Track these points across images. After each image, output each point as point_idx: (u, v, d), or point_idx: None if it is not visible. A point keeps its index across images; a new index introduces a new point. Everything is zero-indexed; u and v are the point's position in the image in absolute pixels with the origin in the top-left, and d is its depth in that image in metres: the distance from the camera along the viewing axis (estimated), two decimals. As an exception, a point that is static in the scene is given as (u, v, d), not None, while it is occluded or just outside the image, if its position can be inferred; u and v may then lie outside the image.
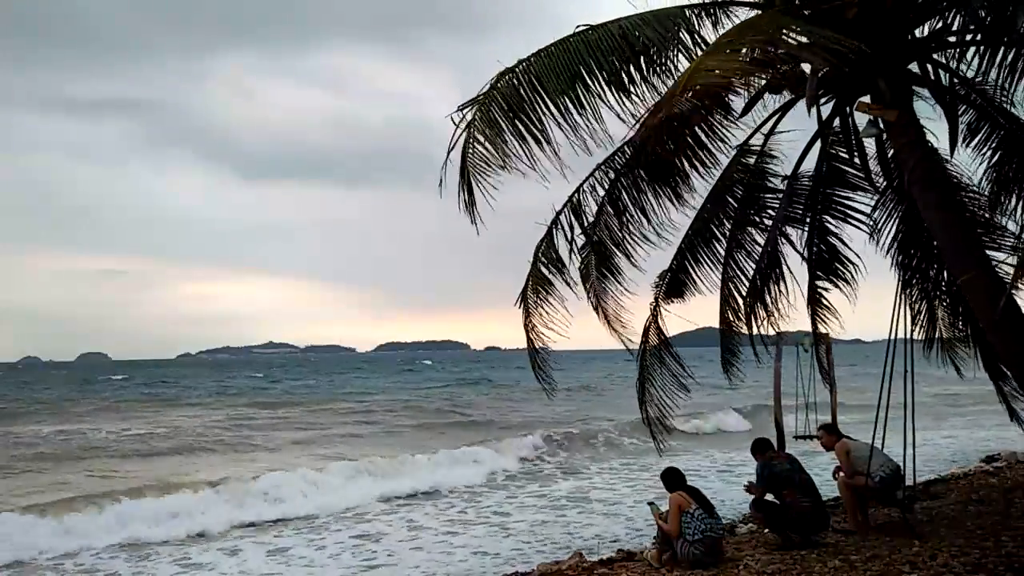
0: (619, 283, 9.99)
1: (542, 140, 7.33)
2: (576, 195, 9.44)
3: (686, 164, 9.05)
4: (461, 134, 7.36)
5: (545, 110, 7.26)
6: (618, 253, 9.76)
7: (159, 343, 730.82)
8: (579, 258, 9.70)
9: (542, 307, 9.67)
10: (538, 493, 15.92)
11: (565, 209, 9.44)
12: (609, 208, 9.48)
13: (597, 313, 10.11)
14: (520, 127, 7.29)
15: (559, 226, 9.47)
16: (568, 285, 9.61)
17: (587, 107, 7.26)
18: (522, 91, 7.26)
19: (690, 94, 6.14)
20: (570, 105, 7.24)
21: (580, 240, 9.58)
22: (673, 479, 8.48)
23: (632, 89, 7.31)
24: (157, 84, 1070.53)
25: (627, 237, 9.65)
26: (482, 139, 7.32)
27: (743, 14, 7.68)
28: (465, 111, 7.35)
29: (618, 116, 7.35)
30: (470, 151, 7.37)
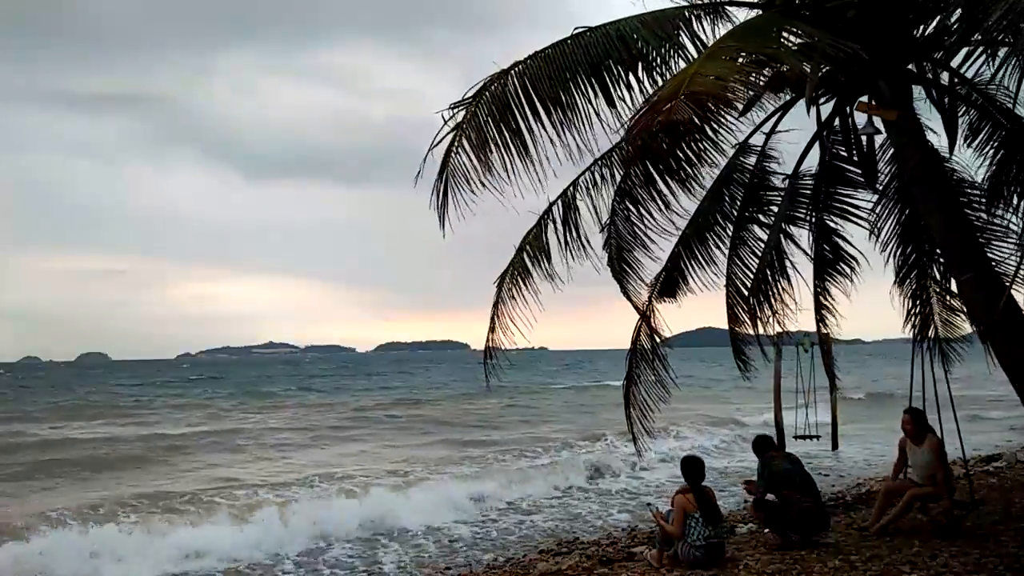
0: (638, 274, 9.89)
1: (528, 153, 7.34)
2: (571, 188, 9.41)
3: (684, 165, 9.02)
4: (448, 133, 7.33)
5: (535, 118, 7.25)
6: (638, 243, 9.66)
7: (159, 343, 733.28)
8: (570, 254, 9.55)
9: (514, 298, 9.44)
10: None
11: (558, 203, 9.41)
12: (619, 203, 9.44)
13: (629, 299, 10.01)
14: (507, 139, 7.29)
15: (551, 218, 9.42)
16: (550, 281, 9.39)
17: (580, 112, 7.25)
18: (513, 97, 7.24)
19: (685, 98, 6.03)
20: (563, 112, 7.22)
21: (574, 235, 9.49)
22: (691, 469, 8.26)
23: (627, 94, 7.28)
24: (159, 81, 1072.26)
25: (638, 232, 9.59)
26: (467, 146, 7.32)
27: (742, 14, 7.68)
28: (456, 111, 7.32)
29: (615, 121, 7.34)
30: (453, 155, 7.37)
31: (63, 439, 26.35)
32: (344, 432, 28.17)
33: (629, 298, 9.96)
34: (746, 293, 10.11)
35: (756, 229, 10.07)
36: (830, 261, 10.04)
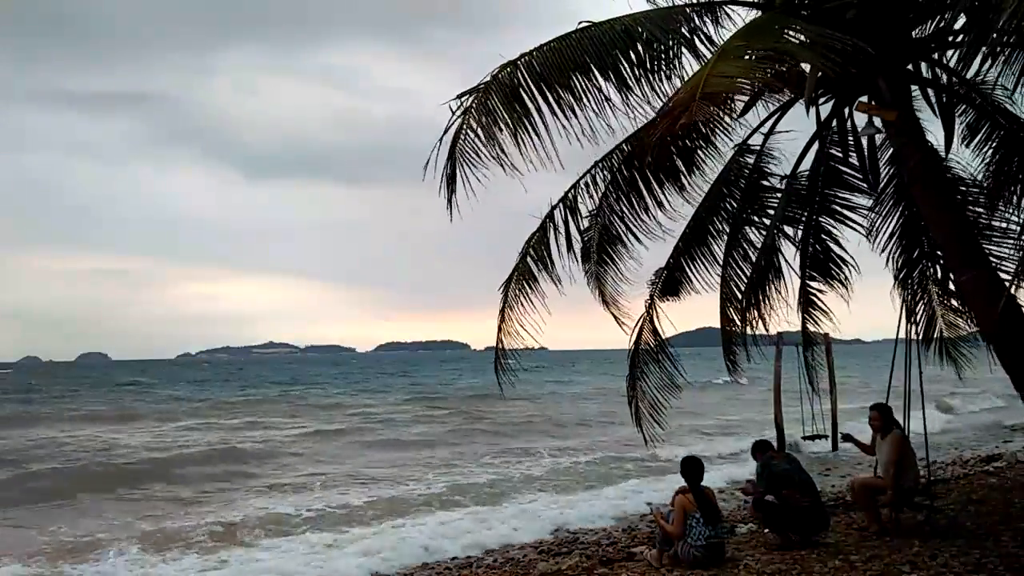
0: (617, 270, 9.91)
1: (537, 133, 7.38)
2: (572, 191, 9.40)
3: (683, 166, 9.04)
4: (456, 119, 7.38)
5: (543, 103, 7.31)
6: (620, 240, 9.68)
7: (159, 343, 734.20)
8: (573, 255, 9.55)
9: (521, 303, 9.51)
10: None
11: (560, 205, 9.40)
12: (612, 198, 9.44)
13: (601, 296, 10.04)
14: (516, 118, 7.32)
15: (553, 221, 9.42)
16: (555, 283, 9.47)
17: (587, 101, 7.31)
18: (521, 83, 7.30)
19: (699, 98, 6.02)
20: (570, 98, 7.28)
21: (576, 236, 9.50)
22: (690, 470, 8.23)
23: (633, 85, 7.31)
24: (159, 81, 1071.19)
25: (627, 229, 9.60)
26: (476, 127, 7.37)
27: (743, 13, 7.69)
28: (464, 99, 7.37)
29: (618, 110, 7.39)
30: (462, 138, 7.43)
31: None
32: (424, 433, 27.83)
33: (603, 292, 9.96)
34: (739, 296, 10.11)
35: (752, 230, 10.09)
36: (821, 263, 10.05)
